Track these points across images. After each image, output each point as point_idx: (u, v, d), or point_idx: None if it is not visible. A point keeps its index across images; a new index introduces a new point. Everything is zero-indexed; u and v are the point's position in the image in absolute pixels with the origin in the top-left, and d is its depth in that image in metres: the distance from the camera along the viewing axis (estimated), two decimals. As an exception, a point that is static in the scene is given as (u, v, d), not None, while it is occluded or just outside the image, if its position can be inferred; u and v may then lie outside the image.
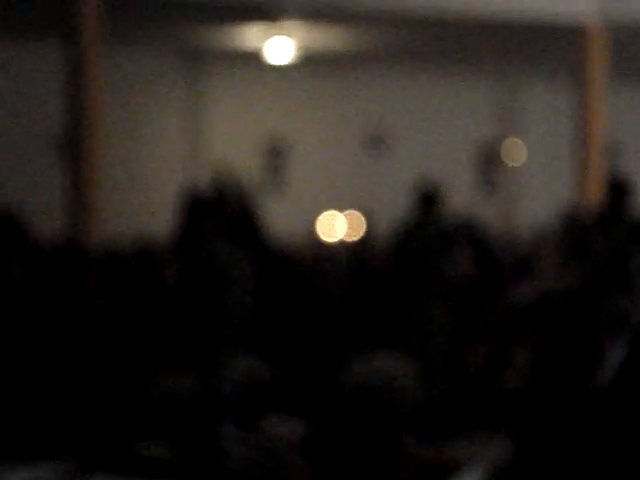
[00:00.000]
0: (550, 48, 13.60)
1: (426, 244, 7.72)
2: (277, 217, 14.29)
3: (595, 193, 11.58)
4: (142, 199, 14.47)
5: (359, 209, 13.71)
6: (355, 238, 12.00)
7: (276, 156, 15.67)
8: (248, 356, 3.76)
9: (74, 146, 10.56)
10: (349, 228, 13.83)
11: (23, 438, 3.25)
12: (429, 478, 2.92)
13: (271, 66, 14.28)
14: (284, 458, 3.24)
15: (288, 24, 12.73)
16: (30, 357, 3.75)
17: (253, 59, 14.06)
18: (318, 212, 14.77)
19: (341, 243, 13.08)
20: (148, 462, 2.71)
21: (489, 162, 16.76)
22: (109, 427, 2.85)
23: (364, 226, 11.36)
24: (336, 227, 14.38)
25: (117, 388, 3.02)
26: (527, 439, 2.58)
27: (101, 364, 3.38)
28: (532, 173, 16.63)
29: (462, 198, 14.49)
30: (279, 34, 13.12)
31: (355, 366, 2.88)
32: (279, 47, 13.31)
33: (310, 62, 14.71)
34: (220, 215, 8.77)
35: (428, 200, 7.88)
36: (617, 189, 6.96)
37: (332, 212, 14.62)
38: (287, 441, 3.46)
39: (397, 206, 10.32)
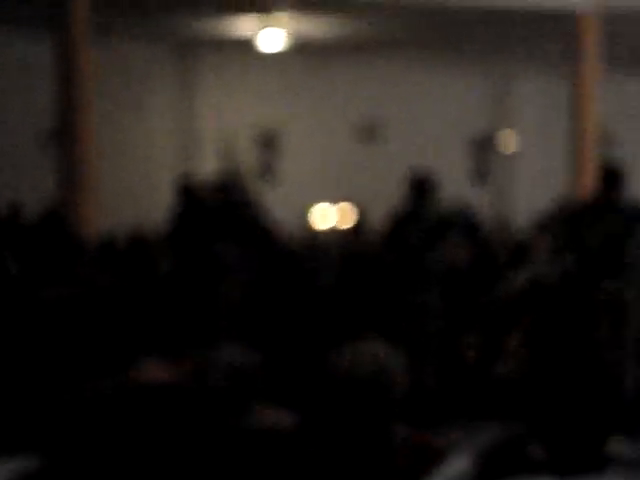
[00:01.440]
0: (544, 37, 13.58)
1: (419, 232, 7.72)
2: (269, 206, 14.26)
3: (589, 181, 11.57)
4: (135, 190, 14.43)
5: (352, 199, 13.69)
6: (348, 227, 12.00)
7: (268, 146, 15.65)
8: (235, 344, 3.73)
9: (67, 139, 10.53)
10: (342, 218, 13.82)
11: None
12: (424, 464, 2.91)
13: (264, 56, 14.25)
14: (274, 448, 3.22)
15: (280, 14, 12.71)
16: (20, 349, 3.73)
17: (245, 49, 14.02)
18: (310, 201, 14.75)
19: (333, 232, 13.08)
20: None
21: (483, 151, 16.75)
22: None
23: (357, 216, 11.34)
24: (328, 217, 14.37)
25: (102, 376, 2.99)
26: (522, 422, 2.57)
27: (88, 353, 3.35)
28: (526, 162, 16.62)
29: (456, 187, 14.47)
30: (271, 24, 13.09)
31: (344, 354, 2.87)
32: (271, 37, 13.28)
33: (302, 52, 14.67)
34: (215, 204, 8.77)
35: (421, 189, 7.88)
36: (610, 177, 6.96)
37: (324, 203, 14.61)
38: (278, 430, 3.44)
39: (391, 196, 10.30)
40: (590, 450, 2.48)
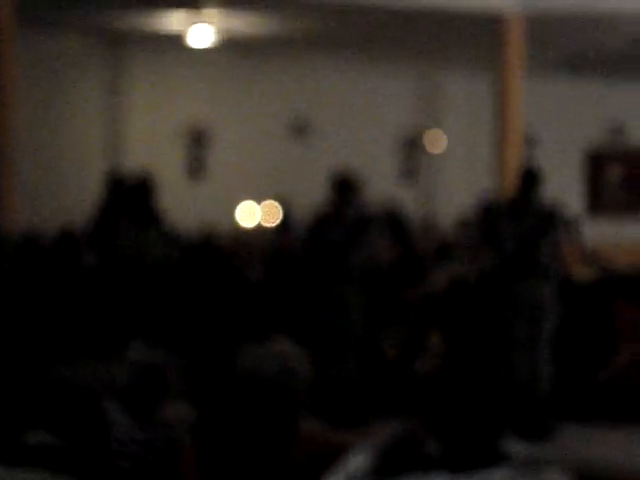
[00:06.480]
0: (470, 38, 13.74)
1: (342, 230, 7.78)
2: (197, 203, 14.25)
3: (512, 181, 11.73)
4: (61, 185, 14.31)
5: (279, 196, 13.73)
6: (273, 225, 12.03)
7: (197, 142, 15.62)
8: (148, 343, 3.76)
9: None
10: (268, 215, 13.86)
11: None
12: (323, 460, 2.95)
13: (193, 51, 14.21)
14: (176, 445, 3.24)
15: (211, 10, 12.69)
16: None
17: (175, 44, 13.98)
18: (238, 198, 14.76)
19: (259, 229, 13.11)
20: (36, 451, 2.69)
21: (410, 151, 16.89)
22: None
23: (283, 214, 11.38)
24: (255, 215, 14.40)
25: (16, 376, 3.00)
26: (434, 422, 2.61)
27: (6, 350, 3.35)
28: (452, 162, 16.79)
29: (383, 186, 14.58)
30: (201, 20, 13.07)
31: (248, 354, 2.92)
32: (201, 32, 13.26)
33: (232, 48, 14.66)
34: (138, 200, 8.75)
35: (343, 187, 7.93)
36: (527, 178, 7.09)
37: (250, 200, 14.64)
38: (182, 428, 3.47)
39: (318, 194, 10.36)
40: (482, 447, 2.53)
